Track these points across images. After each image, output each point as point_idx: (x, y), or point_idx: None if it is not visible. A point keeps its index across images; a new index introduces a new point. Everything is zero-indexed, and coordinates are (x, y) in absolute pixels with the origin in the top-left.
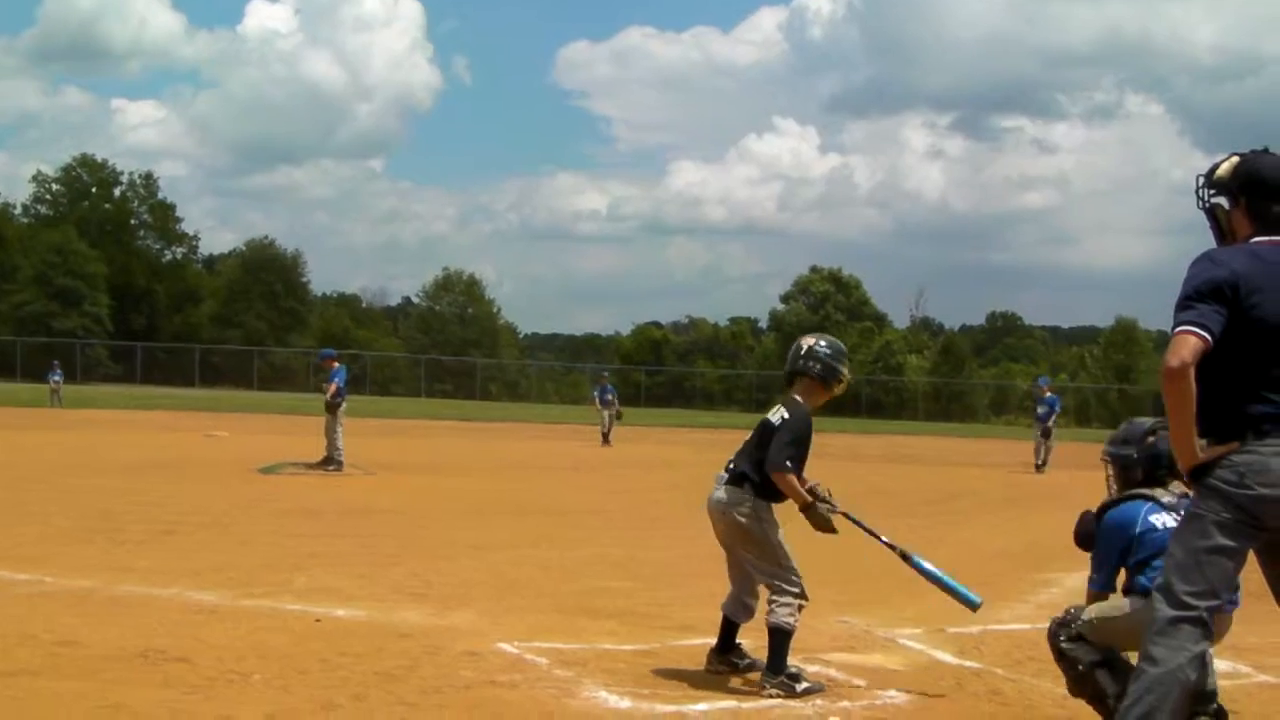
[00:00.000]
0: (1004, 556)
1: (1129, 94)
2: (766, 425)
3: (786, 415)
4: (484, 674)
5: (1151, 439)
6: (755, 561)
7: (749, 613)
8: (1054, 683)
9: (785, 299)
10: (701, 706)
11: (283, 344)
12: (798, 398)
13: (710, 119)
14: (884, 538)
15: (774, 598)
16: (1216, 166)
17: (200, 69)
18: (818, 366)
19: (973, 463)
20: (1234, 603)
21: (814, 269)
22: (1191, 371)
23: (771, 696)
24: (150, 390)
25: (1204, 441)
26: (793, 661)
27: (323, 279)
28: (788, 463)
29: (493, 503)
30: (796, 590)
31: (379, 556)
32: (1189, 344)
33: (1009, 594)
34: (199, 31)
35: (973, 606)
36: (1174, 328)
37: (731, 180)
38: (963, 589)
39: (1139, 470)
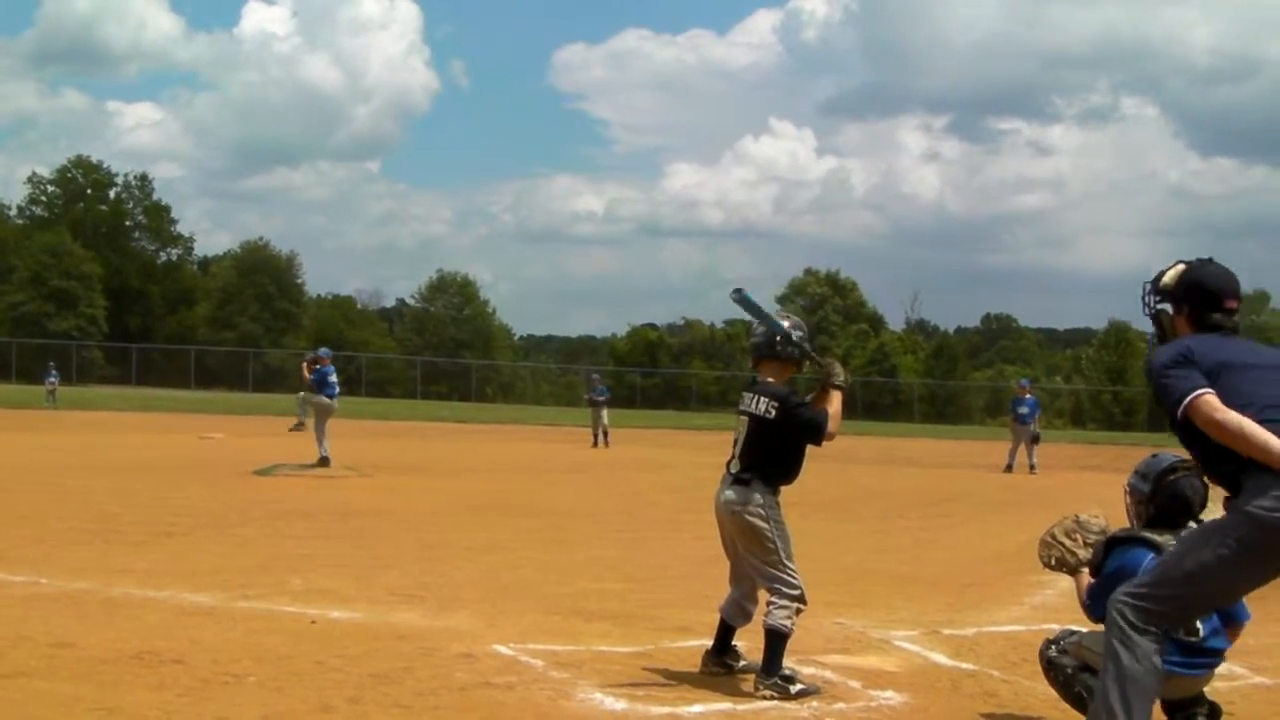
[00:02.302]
0: (999, 558)
1: (1125, 96)
2: (760, 422)
3: (779, 403)
4: (479, 676)
5: (1171, 478)
6: (758, 563)
7: (747, 617)
8: (1049, 684)
9: (781, 301)
10: (697, 708)
11: (277, 346)
12: (770, 379)
13: (706, 121)
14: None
15: (773, 600)
16: (1162, 274)
17: (198, 71)
18: (796, 352)
19: (967, 465)
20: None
21: (809, 271)
22: (1228, 413)
23: (766, 698)
24: (145, 392)
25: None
26: (788, 663)
27: (319, 281)
28: (820, 421)
29: (488, 504)
30: (796, 594)
31: (374, 558)
32: (1208, 403)
33: (1004, 596)
34: (197, 34)
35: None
36: (1179, 405)
37: (728, 182)
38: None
39: (1151, 507)
